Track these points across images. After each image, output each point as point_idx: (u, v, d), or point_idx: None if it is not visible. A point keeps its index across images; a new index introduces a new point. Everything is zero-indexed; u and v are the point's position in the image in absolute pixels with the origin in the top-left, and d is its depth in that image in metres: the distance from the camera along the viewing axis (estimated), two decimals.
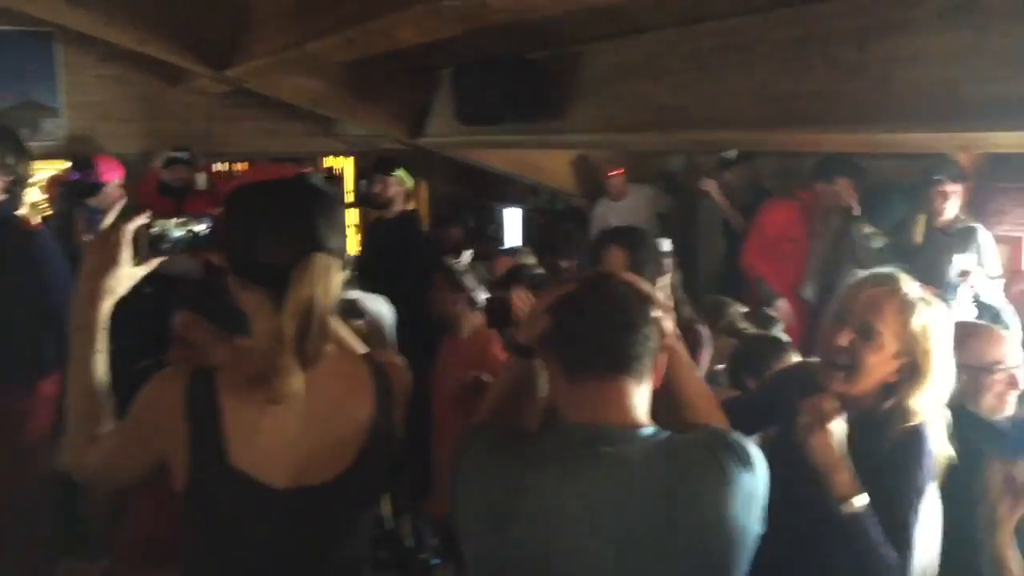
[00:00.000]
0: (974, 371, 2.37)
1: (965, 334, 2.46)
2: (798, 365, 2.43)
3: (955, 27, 3.10)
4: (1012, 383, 2.33)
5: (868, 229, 4.40)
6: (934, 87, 3.23)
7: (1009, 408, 2.35)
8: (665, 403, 1.62)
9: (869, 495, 1.93)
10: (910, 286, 2.01)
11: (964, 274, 4.05)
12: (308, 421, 1.59)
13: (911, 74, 3.29)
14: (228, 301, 1.64)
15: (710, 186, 5.51)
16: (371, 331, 3.57)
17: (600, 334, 1.49)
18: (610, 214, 6.19)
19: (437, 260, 3.98)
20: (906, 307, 1.96)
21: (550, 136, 5.01)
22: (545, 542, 1.41)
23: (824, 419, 1.91)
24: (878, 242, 4.36)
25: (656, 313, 1.53)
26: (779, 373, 2.45)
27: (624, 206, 6.20)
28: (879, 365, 1.97)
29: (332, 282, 1.58)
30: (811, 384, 2.14)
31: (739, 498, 1.42)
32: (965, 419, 2.19)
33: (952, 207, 4.30)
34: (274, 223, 1.56)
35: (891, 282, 2.01)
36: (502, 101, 4.91)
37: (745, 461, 1.45)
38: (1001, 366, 2.35)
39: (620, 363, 1.48)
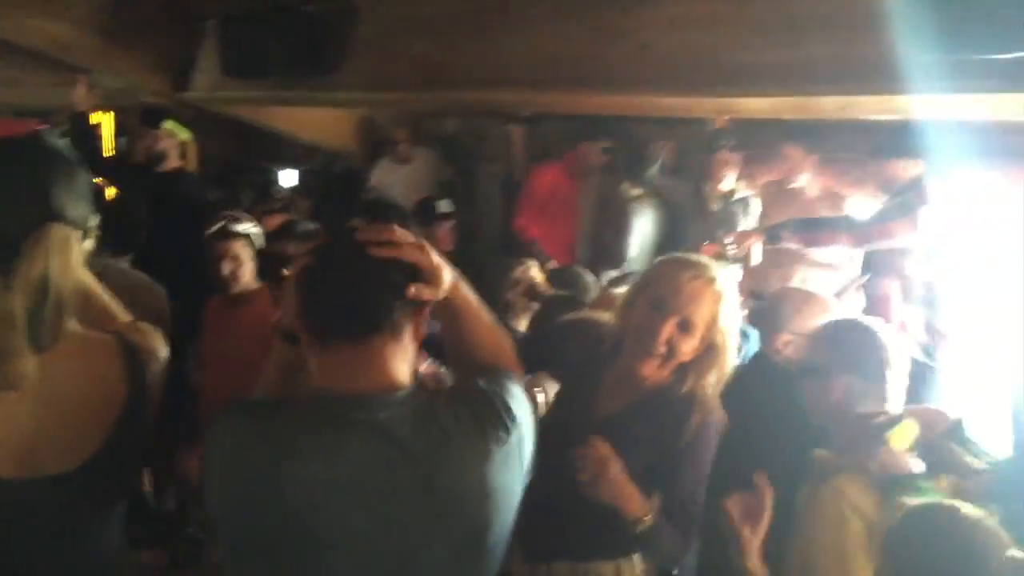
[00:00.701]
0: None
1: (802, 303, 2.59)
2: (585, 322, 2.42)
3: None
4: None
5: (632, 188, 4.60)
6: (694, 53, 3.38)
7: None
8: (455, 347, 1.59)
9: (655, 475, 2.01)
10: (720, 273, 2.09)
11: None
12: (44, 407, 1.45)
13: (672, 39, 3.43)
14: None
15: (516, 134, 5.51)
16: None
17: (342, 296, 1.40)
18: (391, 177, 6.09)
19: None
20: (719, 298, 2.05)
21: (323, 93, 4.85)
22: (303, 514, 1.33)
23: (605, 468, 1.93)
24: (640, 199, 4.56)
25: (420, 257, 1.44)
26: (566, 325, 2.46)
27: (407, 171, 6.12)
28: (687, 352, 2.05)
29: (71, 256, 1.44)
30: (600, 348, 2.19)
31: (500, 460, 1.40)
32: None
33: (732, 175, 4.56)
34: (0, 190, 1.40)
35: (707, 272, 2.07)
36: (272, 54, 4.68)
37: (509, 421, 1.43)
38: None
39: (368, 325, 1.40)
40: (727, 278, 2.11)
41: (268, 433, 1.38)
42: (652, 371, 2.06)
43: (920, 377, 3.77)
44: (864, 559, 1.80)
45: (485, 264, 4.10)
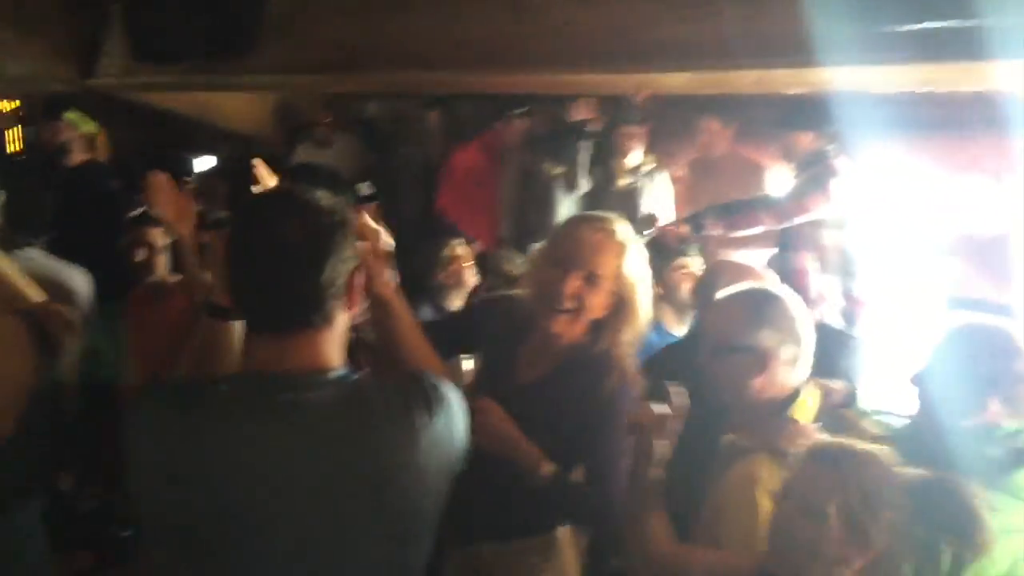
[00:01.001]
0: None
1: (736, 276, 2.56)
2: (502, 298, 2.44)
3: None
4: None
5: (552, 167, 4.60)
6: (611, 29, 3.39)
7: None
8: (388, 352, 1.62)
9: (578, 441, 2.03)
10: (622, 227, 2.10)
11: (650, 219, 4.36)
12: None
13: (590, 16, 3.44)
14: None
15: (433, 115, 5.47)
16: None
17: (271, 293, 1.36)
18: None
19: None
20: (622, 250, 2.06)
21: (236, 77, 4.72)
22: (228, 495, 1.31)
23: (483, 417, 1.95)
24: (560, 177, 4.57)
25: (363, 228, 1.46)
26: (482, 302, 2.47)
27: (327, 155, 6.01)
28: (597, 307, 2.06)
29: None
30: (516, 319, 2.20)
31: (428, 443, 1.38)
32: None
33: (638, 150, 4.58)
34: None
35: (608, 225, 2.09)
36: (181, 37, 4.53)
37: (437, 406, 1.41)
38: None
39: (300, 322, 1.37)
40: (629, 231, 2.12)
41: (191, 417, 1.35)
42: (563, 328, 2.07)
43: (840, 345, 3.89)
44: None
45: (411, 247, 4.07)
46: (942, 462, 1.82)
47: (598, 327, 2.10)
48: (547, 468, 1.99)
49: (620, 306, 2.08)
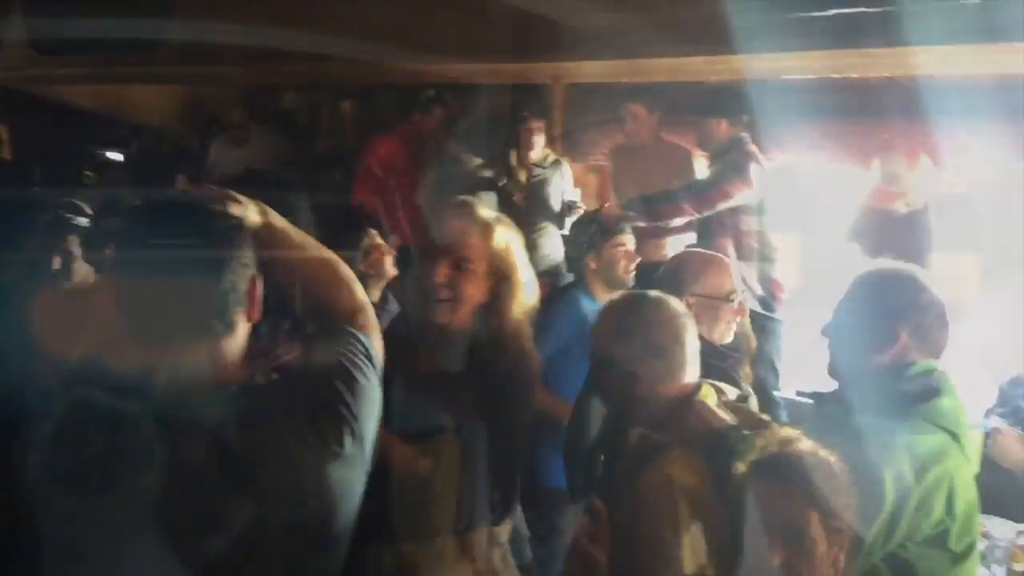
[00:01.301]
0: (714, 301, 2.43)
1: (703, 265, 2.53)
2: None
3: None
4: (740, 311, 2.43)
5: (472, 158, 4.56)
6: (530, 19, 3.37)
7: (730, 335, 2.43)
8: (289, 277, 1.52)
9: (484, 420, 1.98)
10: (482, 208, 2.07)
11: (572, 205, 4.35)
12: None
13: (507, 4, 3.41)
14: None
15: (347, 107, 5.39)
16: None
17: (170, 299, 1.29)
18: (229, 158, 5.83)
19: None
20: (486, 229, 2.02)
21: (144, 69, 4.57)
22: (126, 512, 1.25)
23: None
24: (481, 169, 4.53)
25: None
26: (393, 321, 2.42)
27: (244, 151, 5.87)
28: (476, 290, 2.01)
29: None
30: (412, 323, 2.15)
31: (339, 462, 1.34)
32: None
33: (540, 142, 4.55)
34: None
35: (468, 207, 2.06)
36: (84, 28, 4.35)
37: (348, 425, 1.35)
38: (735, 295, 2.45)
39: (200, 328, 1.30)
40: (491, 211, 2.10)
41: (88, 430, 1.27)
42: (446, 316, 2.02)
43: (762, 329, 3.94)
44: (694, 535, 1.72)
45: (330, 239, 3.99)
46: (857, 409, 1.85)
47: (484, 311, 2.05)
48: (424, 465, 1.95)
49: (501, 285, 2.04)
